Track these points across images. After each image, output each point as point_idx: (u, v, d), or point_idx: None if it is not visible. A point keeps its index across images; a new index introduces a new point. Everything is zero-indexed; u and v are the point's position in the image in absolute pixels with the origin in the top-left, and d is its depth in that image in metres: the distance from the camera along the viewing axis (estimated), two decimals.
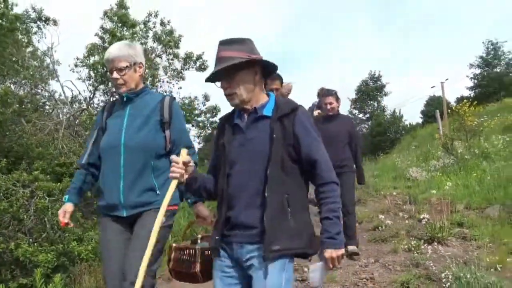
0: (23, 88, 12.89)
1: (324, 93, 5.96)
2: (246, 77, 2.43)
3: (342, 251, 2.20)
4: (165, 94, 3.40)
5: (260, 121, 2.43)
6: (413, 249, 5.29)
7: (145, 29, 12.78)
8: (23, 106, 10.76)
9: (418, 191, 8.39)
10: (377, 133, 35.68)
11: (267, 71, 2.54)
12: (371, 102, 41.33)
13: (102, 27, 12.29)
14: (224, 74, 2.42)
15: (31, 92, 12.25)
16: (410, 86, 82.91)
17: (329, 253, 2.19)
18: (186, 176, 2.48)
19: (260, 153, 2.34)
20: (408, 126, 36.52)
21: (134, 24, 12.45)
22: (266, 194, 2.27)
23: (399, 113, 37.50)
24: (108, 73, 3.22)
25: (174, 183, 2.44)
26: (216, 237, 2.40)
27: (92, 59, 11.98)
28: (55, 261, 6.95)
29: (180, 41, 13.17)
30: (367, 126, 40.25)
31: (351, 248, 5.59)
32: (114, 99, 3.52)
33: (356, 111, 41.43)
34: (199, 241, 3.15)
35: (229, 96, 2.47)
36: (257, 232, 2.27)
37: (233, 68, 2.39)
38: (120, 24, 12.18)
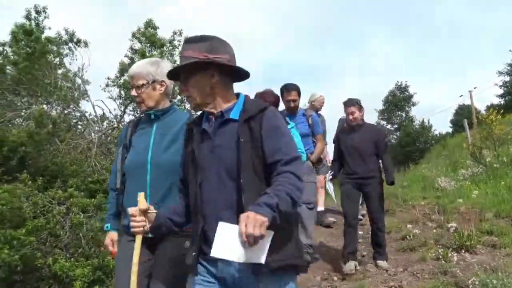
0: (55, 109, 13.30)
1: (345, 103, 5.84)
2: (202, 80, 2.28)
3: (263, 218, 1.88)
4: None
5: (227, 125, 2.28)
6: (441, 257, 5.33)
7: (171, 47, 13.09)
8: (57, 126, 11.10)
9: (447, 200, 8.36)
10: (406, 144, 35.39)
11: (236, 74, 2.37)
12: (399, 112, 41.07)
13: (131, 48, 12.64)
14: (181, 76, 2.33)
15: (63, 112, 12.63)
16: (438, 96, 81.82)
17: (245, 213, 1.91)
18: (148, 226, 2.34)
19: (229, 160, 2.20)
20: (438, 135, 36.15)
21: (163, 43, 12.79)
22: (243, 204, 2.09)
23: (428, 123, 37.17)
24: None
25: (138, 239, 2.32)
26: (193, 253, 2.27)
27: (122, 79, 12.34)
28: (91, 275, 7.16)
29: None
30: (395, 137, 39.97)
31: (382, 264, 5.47)
32: (139, 116, 3.53)
33: (384, 122, 41.20)
34: None
35: (187, 99, 2.40)
36: None
37: (186, 70, 2.29)
38: (148, 44, 12.51)
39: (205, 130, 2.33)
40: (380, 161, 5.67)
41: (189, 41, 2.33)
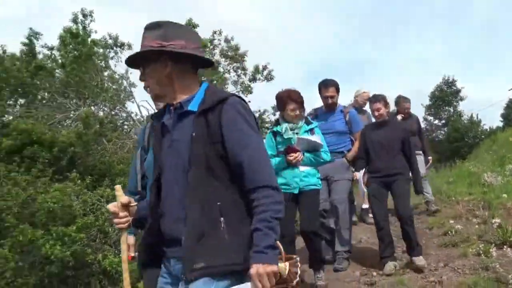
0: (102, 110, 13.75)
1: (371, 99, 5.76)
2: (157, 69, 2.11)
3: (273, 267, 1.87)
4: None
5: (185, 118, 2.10)
6: (482, 253, 5.27)
7: (211, 46, 13.31)
8: (104, 127, 11.48)
9: (493, 196, 8.21)
10: (454, 139, 34.61)
11: (199, 61, 2.20)
12: (447, 107, 40.19)
13: None
14: (140, 66, 2.19)
15: (110, 113, 13.04)
16: (487, 90, 79.65)
17: (255, 268, 1.85)
18: (130, 220, 2.22)
19: (183, 155, 2.04)
20: (488, 130, 35.21)
21: (205, 43, 13.02)
22: (186, 203, 1.99)
23: (477, 118, 36.25)
24: None
25: (123, 234, 2.23)
26: (144, 250, 2.19)
27: None
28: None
29: (246, 55, 13.65)
30: (443, 132, 39.15)
31: (417, 261, 5.22)
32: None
33: (431, 117, 40.39)
34: None
35: (147, 90, 2.27)
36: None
37: (143, 60, 2.15)
38: None
39: (164, 124, 2.20)
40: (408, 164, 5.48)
41: (145, 28, 2.17)
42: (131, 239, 3.23)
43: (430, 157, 8.24)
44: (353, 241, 6.10)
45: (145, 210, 2.22)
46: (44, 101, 12.98)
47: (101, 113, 12.60)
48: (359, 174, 5.48)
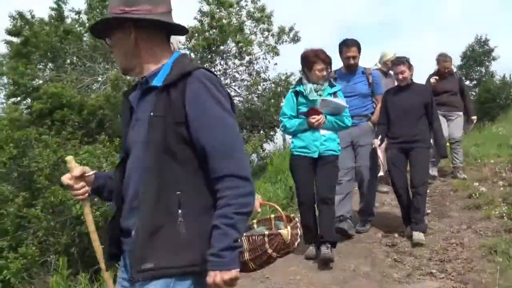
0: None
1: (394, 62, 5.54)
2: (122, 39, 1.87)
3: (231, 274, 1.64)
4: None
5: (149, 94, 1.85)
6: (505, 215, 5.27)
7: (238, 8, 13.20)
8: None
9: None
10: (485, 100, 33.79)
11: (170, 28, 1.95)
12: (479, 68, 39.30)
13: (200, 10, 12.86)
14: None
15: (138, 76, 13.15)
16: None
17: (211, 277, 1.64)
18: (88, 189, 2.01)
19: (142, 138, 1.79)
20: None
21: (232, 3, 12.93)
22: (140, 191, 1.77)
23: (510, 78, 35.36)
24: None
25: (86, 206, 2.04)
26: (109, 241, 1.93)
27: (192, 42, 12.62)
28: None
29: (272, 15, 13.51)
30: (474, 93, 38.39)
31: (416, 235, 5.05)
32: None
33: (463, 78, 39.54)
34: (255, 226, 2.86)
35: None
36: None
37: (108, 29, 1.93)
38: (216, 6, 12.68)
39: (130, 101, 1.96)
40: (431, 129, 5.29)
41: None
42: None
43: (474, 117, 7.96)
44: (376, 203, 6.13)
45: (103, 178, 2.05)
46: (73, 65, 13.15)
47: (128, 76, 12.73)
48: (377, 141, 5.30)
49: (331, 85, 4.80)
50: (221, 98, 1.79)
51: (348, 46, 5.53)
